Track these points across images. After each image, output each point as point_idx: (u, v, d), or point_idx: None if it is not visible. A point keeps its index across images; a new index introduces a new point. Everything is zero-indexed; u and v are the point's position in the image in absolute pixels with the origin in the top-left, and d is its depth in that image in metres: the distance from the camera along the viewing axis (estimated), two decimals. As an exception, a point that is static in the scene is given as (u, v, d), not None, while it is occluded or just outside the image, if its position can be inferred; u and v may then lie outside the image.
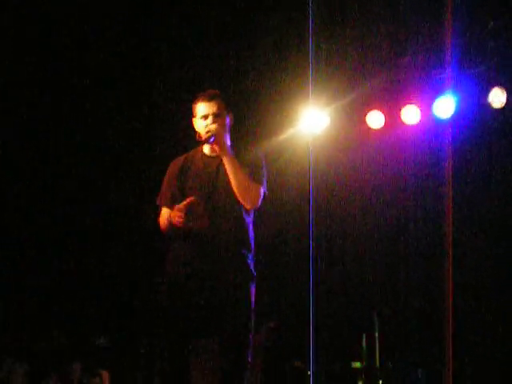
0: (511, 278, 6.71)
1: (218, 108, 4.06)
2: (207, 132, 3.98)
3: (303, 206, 6.55)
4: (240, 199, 3.94)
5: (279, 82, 5.83)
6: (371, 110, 6.69)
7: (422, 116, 6.66)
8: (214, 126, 3.98)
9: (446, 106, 6.50)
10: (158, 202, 4.09)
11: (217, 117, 4.04)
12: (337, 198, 7.02)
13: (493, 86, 6.50)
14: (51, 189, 6.87)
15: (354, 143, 6.90)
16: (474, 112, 6.66)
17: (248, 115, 6.10)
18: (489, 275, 6.77)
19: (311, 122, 6.46)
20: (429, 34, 5.94)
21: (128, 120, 6.70)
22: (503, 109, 6.61)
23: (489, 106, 6.58)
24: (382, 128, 6.77)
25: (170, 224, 3.93)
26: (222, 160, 3.98)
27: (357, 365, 6.46)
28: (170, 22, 6.25)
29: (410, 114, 6.65)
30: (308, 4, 4.01)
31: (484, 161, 6.97)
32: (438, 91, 6.49)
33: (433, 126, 6.75)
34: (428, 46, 6.13)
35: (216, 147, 3.97)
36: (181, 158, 4.13)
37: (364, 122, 6.75)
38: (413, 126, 6.75)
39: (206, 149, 4.09)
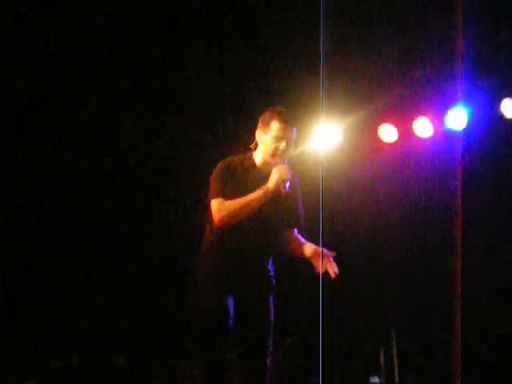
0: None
1: (295, 136, 4.10)
2: (278, 157, 4.02)
3: (315, 222, 6.52)
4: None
5: (291, 98, 5.83)
6: (383, 123, 6.69)
7: (434, 129, 6.66)
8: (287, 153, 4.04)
9: (457, 118, 6.49)
10: (211, 197, 4.03)
11: (291, 145, 4.07)
12: (349, 215, 6.99)
13: (505, 97, 6.51)
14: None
15: (366, 158, 6.88)
16: (487, 123, 6.65)
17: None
18: (499, 291, 6.74)
19: (323, 139, 6.45)
20: (439, 46, 5.94)
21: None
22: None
23: (501, 116, 6.57)
24: (395, 142, 6.77)
25: (247, 207, 3.95)
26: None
27: (375, 380, 6.43)
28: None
29: (423, 127, 6.64)
30: (320, 19, 4.01)
31: (496, 172, 6.95)
32: (449, 103, 6.49)
33: (445, 139, 6.73)
34: (439, 58, 6.13)
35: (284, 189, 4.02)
36: (234, 160, 4.11)
37: (377, 136, 6.75)
38: (425, 139, 6.74)
39: (258, 159, 4.11)
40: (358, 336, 6.87)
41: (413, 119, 6.63)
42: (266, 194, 4.01)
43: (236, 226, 4.02)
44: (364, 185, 6.92)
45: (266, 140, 4.06)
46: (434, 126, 6.65)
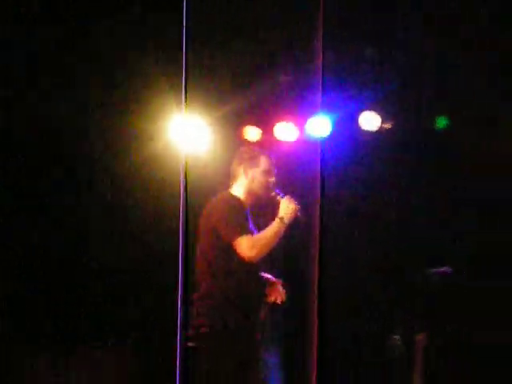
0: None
1: None
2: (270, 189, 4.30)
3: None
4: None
5: (152, 89, 5.80)
6: (248, 124, 6.76)
7: (297, 134, 6.78)
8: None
9: (319, 126, 6.65)
10: (235, 236, 4.15)
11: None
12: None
13: (365, 109, 6.72)
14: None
15: (229, 156, 6.92)
16: (347, 133, 6.84)
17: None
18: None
19: (186, 134, 6.44)
20: (303, 54, 6.06)
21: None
22: (375, 131, 6.83)
23: (361, 128, 6.78)
24: (258, 143, 6.85)
25: (274, 240, 4.21)
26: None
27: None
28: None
29: (285, 131, 6.76)
30: (183, 19, 4.03)
31: (356, 180, 7.15)
32: (312, 111, 6.63)
33: (307, 145, 6.87)
34: (302, 66, 6.25)
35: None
36: (232, 197, 4.32)
37: (242, 135, 6.80)
38: (288, 143, 6.86)
39: (241, 193, 4.33)
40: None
41: (276, 123, 6.73)
42: (284, 224, 4.29)
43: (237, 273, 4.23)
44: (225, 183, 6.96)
45: (255, 175, 4.30)
46: (296, 131, 6.78)
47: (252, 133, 6.78)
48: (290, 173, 7.04)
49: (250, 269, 4.27)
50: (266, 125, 6.75)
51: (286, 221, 4.27)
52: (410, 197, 7.18)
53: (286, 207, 4.27)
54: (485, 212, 6.85)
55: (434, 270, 6.80)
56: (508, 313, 6.45)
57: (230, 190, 4.42)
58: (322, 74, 5.85)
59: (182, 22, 4.16)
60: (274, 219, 4.36)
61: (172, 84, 5.08)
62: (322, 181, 6.98)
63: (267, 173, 4.32)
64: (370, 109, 6.77)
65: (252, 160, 4.34)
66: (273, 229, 4.23)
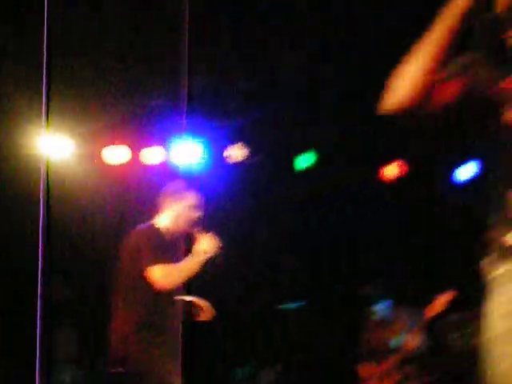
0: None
1: None
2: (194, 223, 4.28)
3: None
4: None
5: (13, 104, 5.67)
6: (114, 144, 6.68)
7: (162, 158, 6.74)
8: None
9: (184, 153, 6.65)
10: (147, 265, 4.14)
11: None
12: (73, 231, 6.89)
13: (234, 141, 6.78)
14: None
15: (93, 176, 6.82)
16: (214, 163, 6.87)
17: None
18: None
19: (48, 148, 6.31)
20: (170, 79, 6.05)
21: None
22: (240, 163, 6.89)
23: (228, 159, 6.82)
24: (124, 164, 6.77)
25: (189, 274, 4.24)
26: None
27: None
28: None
29: (151, 155, 6.72)
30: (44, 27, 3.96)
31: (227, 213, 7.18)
32: (179, 137, 6.63)
33: (171, 170, 6.85)
34: (168, 93, 6.25)
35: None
36: (152, 229, 4.29)
37: (103, 156, 6.70)
38: (153, 167, 6.82)
39: (164, 229, 4.30)
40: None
41: (143, 145, 6.69)
42: (204, 258, 4.27)
43: None
44: (88, 204, 6.84)
45: (180, 209, 4.29)
46: (161, 155, 6.74)
47: (117, 153, 6.69)
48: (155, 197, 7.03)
49: (162, 297, 4.29)
50: (132, 146, 6.69)
51: (202, 257, 4.29)
52: (275, 229, 7.30)
53: (204, 243, 4.29)
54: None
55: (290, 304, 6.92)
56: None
57: (153, 221, 4.41)
58: (188, 102, 5.87)
59: (43, 39, 4.07)
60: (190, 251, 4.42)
61: (33, 100, 4.97)
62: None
63: (192, 208, 4.33)
64: (237, 140, 6.81)
65: (178, 194, 4.34)
66: (187, 262, 4.28)
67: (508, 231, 2.16)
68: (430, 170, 7.45)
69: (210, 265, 4.29)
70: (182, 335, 4.43)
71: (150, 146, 6.69)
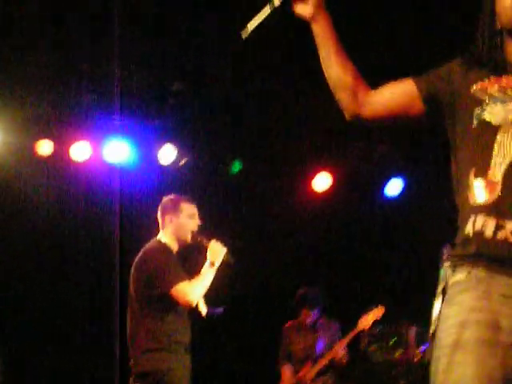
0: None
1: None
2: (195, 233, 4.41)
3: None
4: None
5: None
6: (43, 138, 6.56)
7: (92, 155, 6.66)
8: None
9: (116, 151, 6.59)
10: (172, 284, 4.24)
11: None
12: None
13: (165, 142, 6.73)
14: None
15: (23, 169, 6.70)
16: (144, 163, 6.82)
17: None
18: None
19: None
20: (105, 76, 6.01)
21: None
22: (171, 165, 6.85)
23: (158, 160, 6.78)
24: (51, 158, 6.66)
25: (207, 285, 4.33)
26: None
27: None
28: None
29: (80, 151, 6.62)
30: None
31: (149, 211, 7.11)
32: (111, 135, 6.56)
33: (103, 168, 6.78)
34: (104, 88, 6.18)
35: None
36: (162, 245, 4.41)
37: (35, 148, 6.59)
38: (82, 163, 6.72)
39: (169, 243, 4.42)
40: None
41: (72, 141, 6.60)
42: (215, 268, 4.38)
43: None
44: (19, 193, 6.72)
45: (179, 221, 4.41)
46: (92, 152, 6.65)
47: (46, 147, 6.58)
48: (84, 194, 6.96)
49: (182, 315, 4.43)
50: (61, 141, 6.58)
51: (217, 264, 4.41)
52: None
53: (214, 251, 4.40)
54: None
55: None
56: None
57: (158, 237, 4.52)
58: (121, 100, 5.83)
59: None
60: (202, 263, 4.49)
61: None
62: (121, 207, 6.95)
63: (190, 217, 4.44)
64: (168, 141, 6.77)
65: (174, 207, 4.46)
66: (205, 274, 4.38)
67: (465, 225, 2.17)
68: (360, 182, 7.53)
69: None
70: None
71: (79, 141, 6.58)
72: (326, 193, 7.38)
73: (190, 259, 4.71)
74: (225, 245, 4.52)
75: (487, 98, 2.20)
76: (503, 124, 2.17)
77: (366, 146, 7.18)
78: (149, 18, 5.40)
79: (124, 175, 6.78)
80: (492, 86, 2.21)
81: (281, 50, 5.92)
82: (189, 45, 5.78)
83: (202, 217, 4.58)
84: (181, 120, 6.67)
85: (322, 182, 7.34)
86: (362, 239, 7.50)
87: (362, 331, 6.36)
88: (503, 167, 2.14)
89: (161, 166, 6.87)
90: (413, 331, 6.60)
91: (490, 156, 2.16)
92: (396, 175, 7.37)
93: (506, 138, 2.16)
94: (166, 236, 4.48)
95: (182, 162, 6.90)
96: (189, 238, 4.46)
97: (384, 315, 6.39)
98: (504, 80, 2.21)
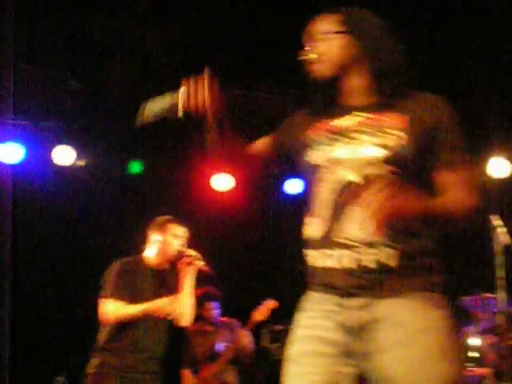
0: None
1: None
2: (188, 254, 4.53)
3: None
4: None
5: None
6: None
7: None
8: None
9: (8, 153, 6.41)
10: (105, 295, 4.38)
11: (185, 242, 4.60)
12: None
13: (60, 143, 6.59)
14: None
15: None
16: (39, 164, 6.67)
17: None
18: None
19: None
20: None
21: None
22: (70, 166, 6.72)
23: (54, 161, 6.63)
24: None
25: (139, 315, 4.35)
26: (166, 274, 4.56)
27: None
28: None
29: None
30: None
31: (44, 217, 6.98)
32: (3, 136, 6.39)
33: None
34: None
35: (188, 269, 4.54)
36: (128, 261, 4.53)
37: None
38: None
39: (152, 260, 4.57)
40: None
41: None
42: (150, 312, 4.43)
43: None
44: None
45: (166, 239, 4.57)
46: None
47: None
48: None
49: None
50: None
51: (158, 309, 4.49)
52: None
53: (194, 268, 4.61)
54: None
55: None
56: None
57: (142, 253, 4.71)
58: (14, 100, 5.66)
59: None
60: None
61: None
62: (14, 209, 6.80)
63: (175, 237, 4.61)
64: (66, 142, 6.63)
65: (162, 226, 4.65)
66: (188, 288, 4.59)
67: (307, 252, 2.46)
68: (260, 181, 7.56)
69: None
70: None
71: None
72: (227, 193, 7.40)
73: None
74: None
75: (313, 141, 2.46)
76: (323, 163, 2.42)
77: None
78: (47, 15, 5.26)
79: (17, 176, 6.64)
80: (319, 130, 2.45)
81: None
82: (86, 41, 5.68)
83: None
84: (79, 120, 6.54)
85: (222, 182, 7.34)
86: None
87: (261, 323, 6.40)
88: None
89: (56, 167, 6.71)
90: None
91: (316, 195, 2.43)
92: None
93: (327, 175, 2.39)
94: (151, 251, 4.69)
95: (81, 162, 6.78)
96: (173, 255, 4.64)
97: (286, 315, 6.43)
98: (335, 122, 2.44)
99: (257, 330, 6.47)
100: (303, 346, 2.38)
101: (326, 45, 2.42)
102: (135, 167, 7.03)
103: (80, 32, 5.60)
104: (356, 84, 2.43)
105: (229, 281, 6.93)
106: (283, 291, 7.10)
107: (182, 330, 4.82)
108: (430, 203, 2.26)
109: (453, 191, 2.33)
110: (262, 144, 2.62)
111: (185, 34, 5.91)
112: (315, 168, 2.42)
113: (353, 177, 2.33)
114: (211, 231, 7.41)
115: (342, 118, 2.43)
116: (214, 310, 6.41)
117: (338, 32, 2.40)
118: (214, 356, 6.34)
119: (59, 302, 7.01)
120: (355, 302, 2.33)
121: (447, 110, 2.39)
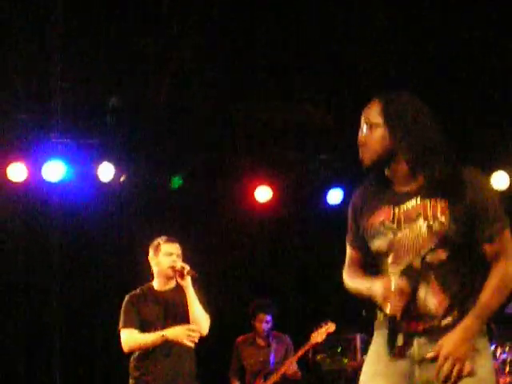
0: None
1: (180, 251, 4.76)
2: (178, 267, 4.63)
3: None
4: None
5: None
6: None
7: (29, 175, 6.54)
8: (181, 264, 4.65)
9: (51, 171, 6.48)
10: (120, 326, 4.66)
11: (180, 258, 4.72)
12: None
13: (103, 159, 6.65)
14: None
15: None
16: (84, 180, 6.73)
17: None
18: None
19: None
20: (41, 93, 5.92)
21: None
22: (111, 182, 6.77)
23: (97, 178, 6.69)
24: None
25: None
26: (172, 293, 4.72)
27: None
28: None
29: (17, 172, 6.50)
30: None
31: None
32: (48, 155, 6.47)
33: (41, 187, 6.68)
34: (41, 105, 6.09)
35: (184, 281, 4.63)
36: (136, 292, 4.76)
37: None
38: (19, 184, 6.60)
39: (156, 284, 4.77)
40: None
41: (8, 162, 6.48)
42: (164, 339, 4.61)
43: None
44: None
45: (159, 260, 4.72)
46: (29, 172, 6.53)
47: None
48: (25, 214, 6.86)
49: None
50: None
51: (168, 338, 4.63)
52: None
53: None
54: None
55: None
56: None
57: (151, 281, 4.88)
58: (57, 118, 5.74)
59: None
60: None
61: None
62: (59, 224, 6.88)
63: (167, 255, 4.72)
64: (107, 159, 6.69)
65: (155, 249, 4.78)
66: (153, 338, 4.64)
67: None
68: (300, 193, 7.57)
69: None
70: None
71: (15, 162, 6.46)
72: (267, 204, 7.40)
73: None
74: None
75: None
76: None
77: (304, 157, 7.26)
78: (89, 33, 5.34)
79: (63, 193, 6.72)
80: (378, 217, 2.68)
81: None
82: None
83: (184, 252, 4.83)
84: (119, 137, 6.60)
85: (263, 194, 7.35)
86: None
87: (315, 345, 6.39)
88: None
89: (99, 184, 6.78)
90: (358, 338, 6.65)
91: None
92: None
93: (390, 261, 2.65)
94: (155, 277, 4.84)
95: (122, 178, 6.83)
96: (168, 273, 4.73)
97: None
98: (391, 208, 2.66)
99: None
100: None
101: (369, 133, 2.66)
102: (176, 182, 7.07)
103: (121, 49, 5.66)
104: (400, 170, 2.66)
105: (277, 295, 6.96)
106: (326, 300, 7.11)
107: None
108: (481, 309, 2.53)
109: (498, 263, 2.57)
110: (357, 261, 2.81)
111: (224, 53, 5.96)
112: (380, 255, 2.66)
113: (414, 261, 2.57)
114: (253, 245, 7.44)
115: (396, 205, 2.65)
116: (266, 322, 6.41)
117: (376, 124, 2.63)
118: (264, 370, 6.36)
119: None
120: None
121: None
